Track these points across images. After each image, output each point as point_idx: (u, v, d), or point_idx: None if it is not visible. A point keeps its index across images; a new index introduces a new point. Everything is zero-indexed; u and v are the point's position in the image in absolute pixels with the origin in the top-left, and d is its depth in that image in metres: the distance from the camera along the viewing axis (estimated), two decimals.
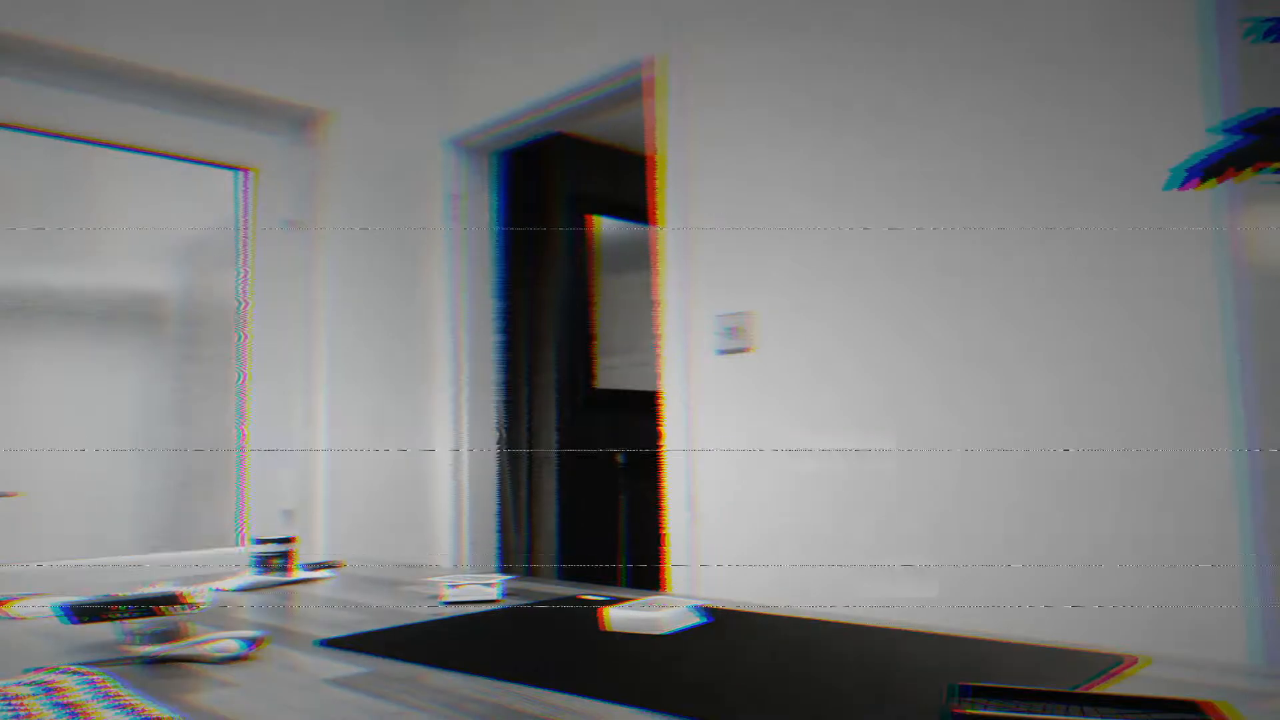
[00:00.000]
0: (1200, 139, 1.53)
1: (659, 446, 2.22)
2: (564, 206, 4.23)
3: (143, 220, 2.78)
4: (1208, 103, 1.53)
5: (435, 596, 0.98)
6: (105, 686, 0.63)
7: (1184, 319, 1.56)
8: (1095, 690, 0.56)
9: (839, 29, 2.08)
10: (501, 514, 3.73)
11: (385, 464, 2.94)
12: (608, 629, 0.80)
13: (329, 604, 1.03)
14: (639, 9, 2.54)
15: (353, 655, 0.73)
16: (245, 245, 2.92)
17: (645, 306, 4.38)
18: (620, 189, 4.40)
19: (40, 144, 2.57)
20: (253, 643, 0.76)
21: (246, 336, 2.88)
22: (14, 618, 0.93)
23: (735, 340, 2.24)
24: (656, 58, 2.48)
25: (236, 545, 2.80)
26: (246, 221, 2.92)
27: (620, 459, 3.76)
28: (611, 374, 4.22)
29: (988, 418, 1.80)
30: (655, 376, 4.31)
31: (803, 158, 2.14)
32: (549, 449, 3.77)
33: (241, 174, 2.92)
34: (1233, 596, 1.47)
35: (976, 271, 1.83)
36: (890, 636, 0.75)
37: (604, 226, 4.61)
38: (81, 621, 0.76)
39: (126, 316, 2.72)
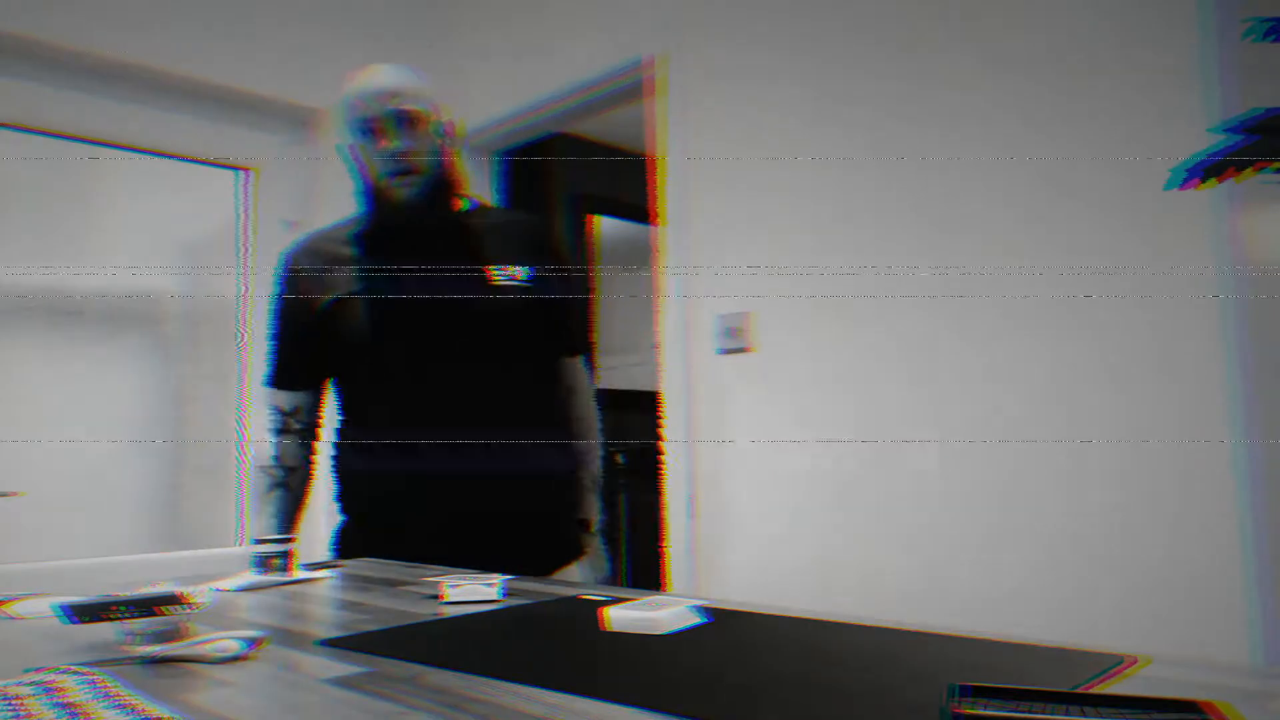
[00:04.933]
0: (1200, 139, 1.53)
1: (659, 446, 2.24)
2: (565, 206, 4.23)
3: (143, 220, 2.78)
4: (1208, 103, 1.53)
5: (435, 596, 0.98)
6: (105, 686, 0.63)
7: (1184, 319, 1.56)
8: (1095, 690, 0.56)
9: (840, 28, 2.08)
10: None
11: None
12: (608, 629, 0.80)
13: (329, 604, 1.03)
14: (639, 8, 2.54)
15: (353, 655, 0.73)
16: (245, 245, 2.92)
17: (645, 306, 4.38)
18: (620, 189, 4.40)
19: (40, 144, 2.57)
20: (253, 643, 0.76)
21: (246, 336, 2.88)
22: (14, 618, 0.93)
23: (735, 340, 2.24)
24: (657, 57, 2.48)
25: (236, 545, 2.80)
26: (246, 221, 2.92)
27: (620, 459, 3.76)
28: (611, 374, 4.22)
29: (987, 418, 1.80)
30: (655, 376, 4.31)
31: (804, 157, 2.14)
32: None
33: (241, 174, 2.92)
34: (1233, 596, 1.47)
35: (976, 272, 1.83)
36: (890, 636, 0.75)
37: (604, 226, 4.61)
38: (81, 621, 0.76)
39: (126, 316, 2.72)
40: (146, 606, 0.76)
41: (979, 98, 1.83)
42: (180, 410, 2.79)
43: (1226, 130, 1.00)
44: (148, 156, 2.74)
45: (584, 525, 1.62)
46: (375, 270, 1.50)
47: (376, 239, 1.52)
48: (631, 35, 2.55)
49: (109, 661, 0.71)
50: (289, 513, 1.56)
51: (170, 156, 2.78)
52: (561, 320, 1.59)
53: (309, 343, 1.53)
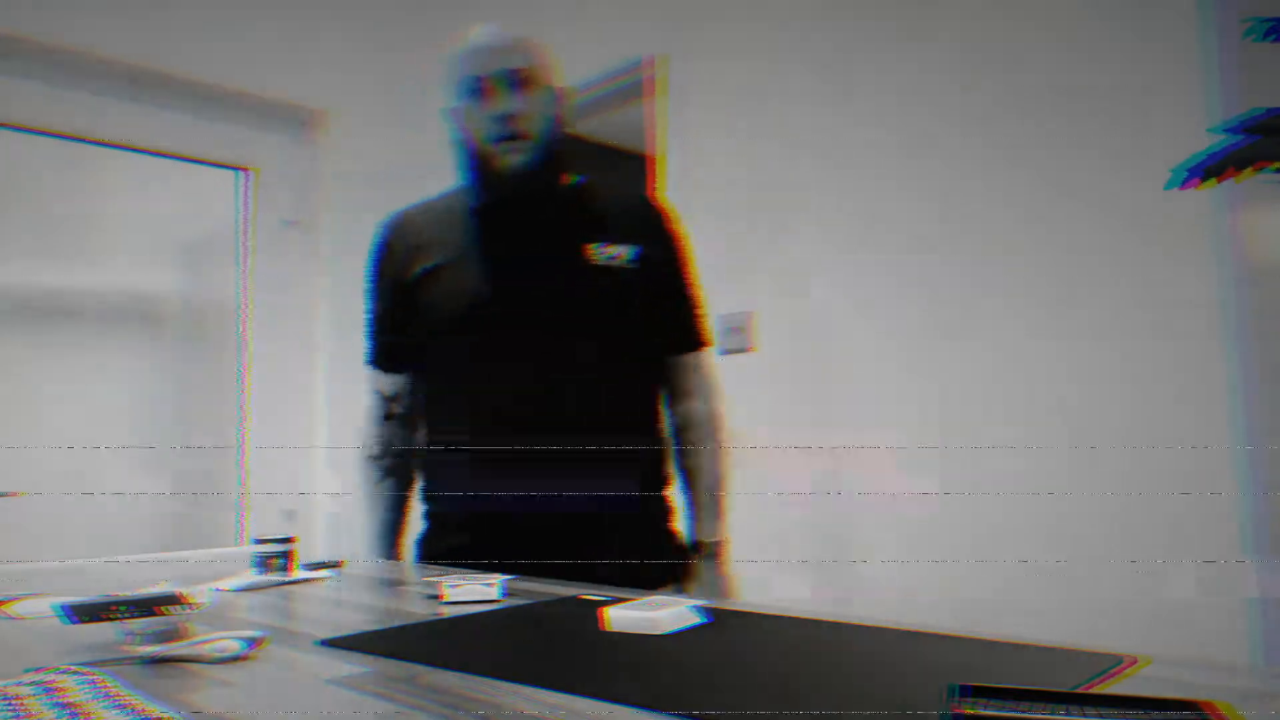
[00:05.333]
0: (1200, 139, 1.53)
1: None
2: None
3: (143, 220, 2.78)
4: (1208, 103, 1.53)
5: (435, 596, 0.98)
6: (105, 686, 0.63)
7: (1184, 319, 1.56)
8: (1095, 690, 0.56)
9: (840, 28, 2.08)
10: None
11: None
12: (608, 629, 0.80)
13: (329, 604, 1.03)
14: (639, 8, 2.54)
15: (353, 655, 0.73)
16: (245, 245, 2.92)
17: None
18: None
19: (40, 144, 2.57)
20: (253, 643, 0.76)
21: (246, 336, 2.88)
22: (14, 618, 0.93)
23: (735, 340, 2.24)
24: (657, 57, 2.48)
25: (236, 545, 2.80)
26: (246, 221, 2.92)
27: None
28: None
29: (987, 418, 1.80)
30: None
31: (804, 156, 2.14)
32: None
33: (241, 174, 2.92)
34: (1233, 596, 1.47)
35: (977, 271, 1.83)
36: (890, 636, 0.75)
37: None
38: (81, 621, 0.76)
39: (126, 316, 2.72)
40: (146, 606, 0.76)
41: (979, 98, 1.83)
42: (180, 410, 2.78)
43: (1226, 130, 1.00)
44: (148, 156, 2.74)
45: (694, 549, 1.46)
46: (477, 243, 1.36)
47: (480, 209, 1.38)
48: (631, 35, 2.55)
49: (109, 661, 0.71)
50: (400, 499, 1.49)
51: (170, 156, 2.78)
52: (670, 313, 1.42)
53: (405, 319, 1.41)
